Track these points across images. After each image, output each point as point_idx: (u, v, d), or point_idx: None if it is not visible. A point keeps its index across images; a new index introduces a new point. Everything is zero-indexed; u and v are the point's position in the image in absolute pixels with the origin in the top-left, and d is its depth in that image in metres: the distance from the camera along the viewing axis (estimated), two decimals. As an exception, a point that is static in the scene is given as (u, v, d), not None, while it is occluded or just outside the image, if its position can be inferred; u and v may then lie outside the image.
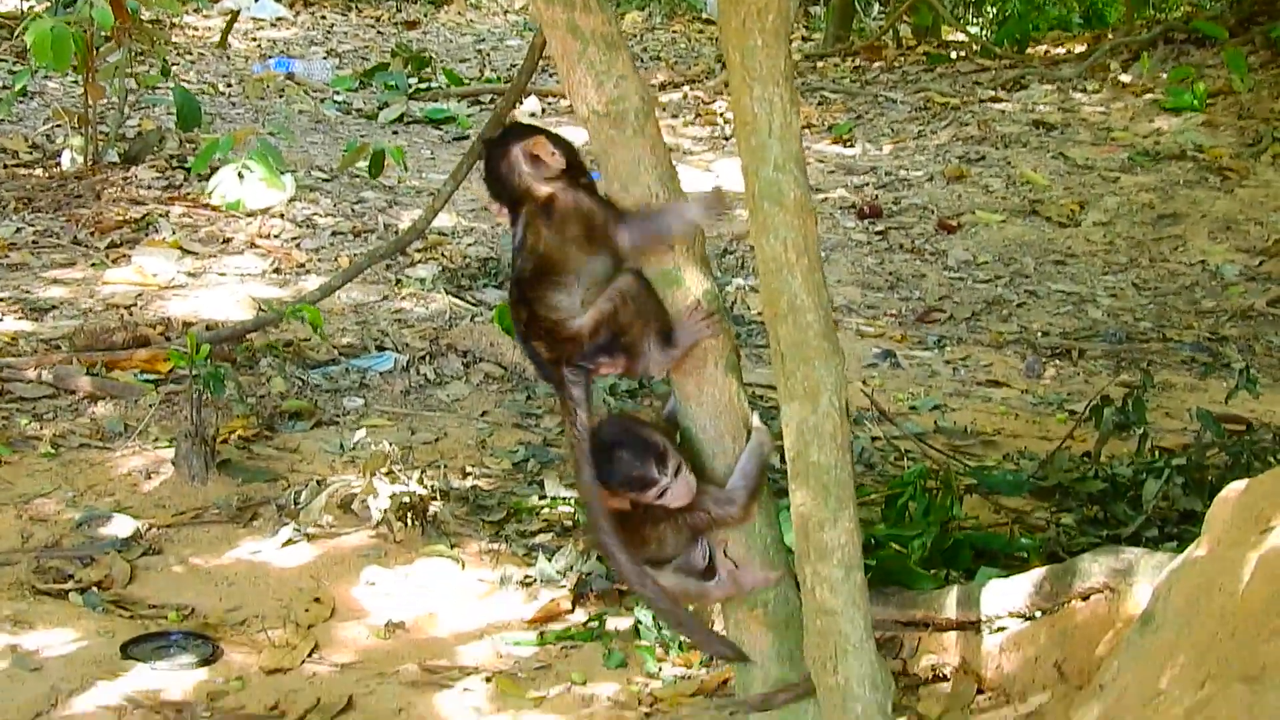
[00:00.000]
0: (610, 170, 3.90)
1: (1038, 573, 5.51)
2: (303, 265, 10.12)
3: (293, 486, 7.07)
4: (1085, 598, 5.26)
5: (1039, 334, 9.63)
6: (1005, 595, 5.51)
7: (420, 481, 6.88)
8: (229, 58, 16.85)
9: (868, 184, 12.55)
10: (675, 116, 14.80)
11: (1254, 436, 7.38)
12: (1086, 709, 4.75)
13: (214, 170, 10.93)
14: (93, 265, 9.80)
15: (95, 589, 6.33)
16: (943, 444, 7.83)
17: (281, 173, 10.97)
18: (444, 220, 10.93)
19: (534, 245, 3.95)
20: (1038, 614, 5.43)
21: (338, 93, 15.23)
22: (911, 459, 7.51)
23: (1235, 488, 4.63)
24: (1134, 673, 4.57)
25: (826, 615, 3.19)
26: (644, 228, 3.85)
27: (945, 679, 5.57)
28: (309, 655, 5.99)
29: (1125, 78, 15.03)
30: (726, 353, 4.06)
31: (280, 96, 14.20)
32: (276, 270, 10.00)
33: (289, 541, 6.71)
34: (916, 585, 5.88)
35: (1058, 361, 9.22)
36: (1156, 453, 7.28)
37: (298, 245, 10.48)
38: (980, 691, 5.45)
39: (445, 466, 7.37)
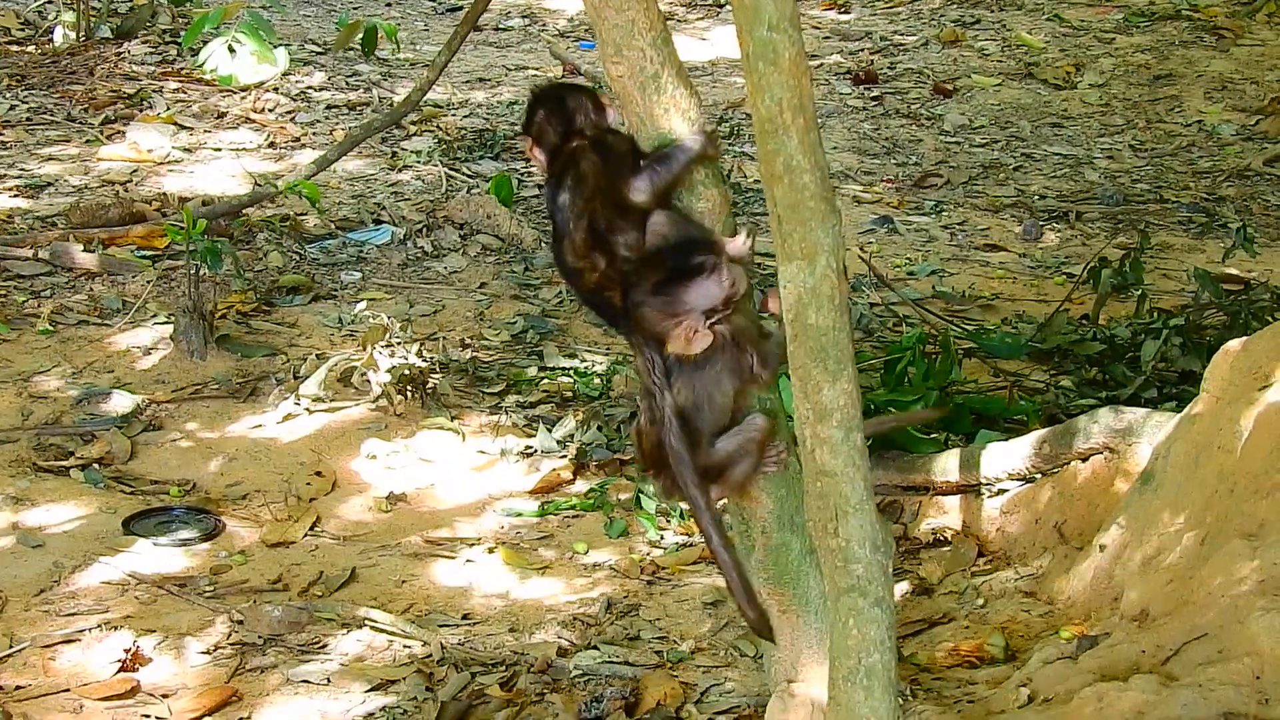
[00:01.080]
0: (604, 35, 3.86)
1: (1037, 434, 5.52)
2: (298, 139, 10.06)
3: (292, 361, 7.08)
4: (1085, 459, 5.28)
5: (1036, 197, 9.58)
6: (1005, 458, 5.52)
7: (419, 354, 6.89)
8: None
9: (863, 49, 12.44)
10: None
11: (1252, 295, 7.38)
12: (1086, 568, 4.79)
13: (205, 44, 10.84)
14: (87, 142, 9.75)
15: (96, 465, 6.35)
16: (941, 309, 7.82)
17: (274, 46, 10.86)
18: (439, 93, 10.86)
19: (594, 188, 3.88)
20: (1038, 476, 5.45)
21: (331, -35, 15.11)
22: (910, 324, 7.50)
23: (1233, 345, 4.63)
24: (1133, 532, 4.60)
25: (826, 477, 3.19)
26: (656, 174, 3.83)
27: (946, 543, 5.60)
28: (311, 529, 6.04)
29: (1121, -62, 14.90)
30: (724, 216, 4.04)
31: (272, -32, 14.07)
32: (272, 144, 9.95)
33: (289, 416, 6.72)
34: (916, 449, 5.90)
35: (1055, 224, 9.17)
36: (1155, 313, 7.29)
37: (292, 119, 10.41)
38: (981, 554, 5.48)
39: (444, 339, 7.36)
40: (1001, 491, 5.51)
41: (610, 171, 3.86)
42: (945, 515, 5.60)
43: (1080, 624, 4.57)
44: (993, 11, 13.07)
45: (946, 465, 5.61)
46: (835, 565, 3.23)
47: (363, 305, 7.58)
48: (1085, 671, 3.89)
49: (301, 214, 8.63)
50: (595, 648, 5.21)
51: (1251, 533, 3.89)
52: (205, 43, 10.65)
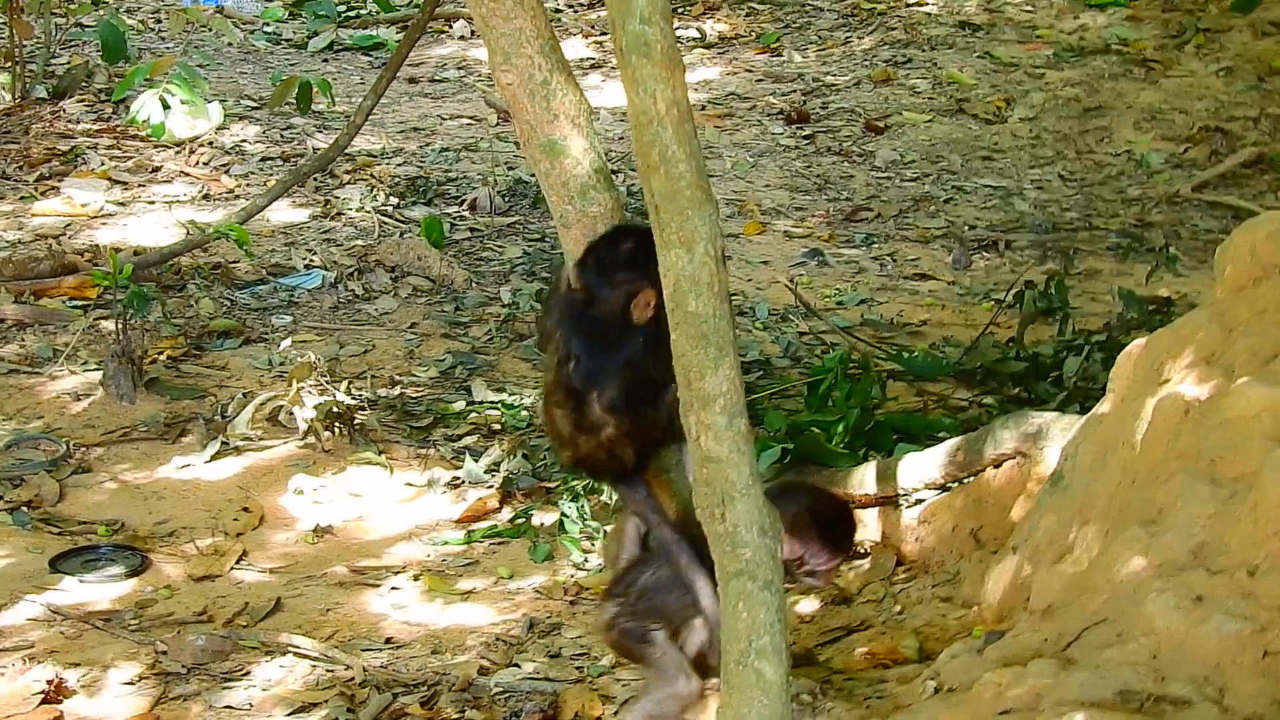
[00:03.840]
0: (493, 44, 3.92)
1: (951, 443, 5.56)
2: (232, 191, 10.09)
3: (220, 402, 7.09)
4: (998, 464, 5.32)
5: (966, 228, 9.65)
6: (921, 468, 5.56)
7: (348, 391, 6.90)
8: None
9: (795, 90, 12.52)
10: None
11: (1174, 312, 7.44)
12: (1000, 571, 4.82)
13: (137, 97, 10.87)
14: (21, 198, 9.75)
15: (24, 508, 6.35)
16: (869, 335, 7.87)
17: (208, 101, 10.90)
18: (373, 142, 10.93)
19: (631, 356, 3.93)
20: (953, 485, 5.49)
21: (267, 24, 15.13)
22: (838, 351, 7.53)
23: (1136, 345, 4.69)
24: (1045, 531, 4.63)
25: (712, 463, 3.22)
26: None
27: (865, 554, 5.63)
28: (237, 562, 6.04)
29: (1050, -24, 15.03)
30: (617, 221, 4.10)
31: (209, 30, 14.09)
32: (206, 197, 9.97)
33: (217, 455, 6.73)
34: (835, 464, 5.93)
35: (985, 253, 9.25)
36: (1079, 334, 7.34)
37: (227, 172, 10.44)
38: (900, 563, 5.51)
39: (373, 377, 7.39)
40: (919, 502, 5.55)
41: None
42: (864, 527, 5.62)
43: (994, 624, 4.59)
44: (924, 50, 13.16)
45: (864, 478, 5.64)
46: (724, 550, 3.26)
47: (288, 343, 7.60)
48: (989, 662, 3.92)
49: (233, 261, 8.65)
50: (516, 665, 5.23)
51: (1151, 519, 3.93)
52: (137, 95, 10.70)
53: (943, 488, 5.52)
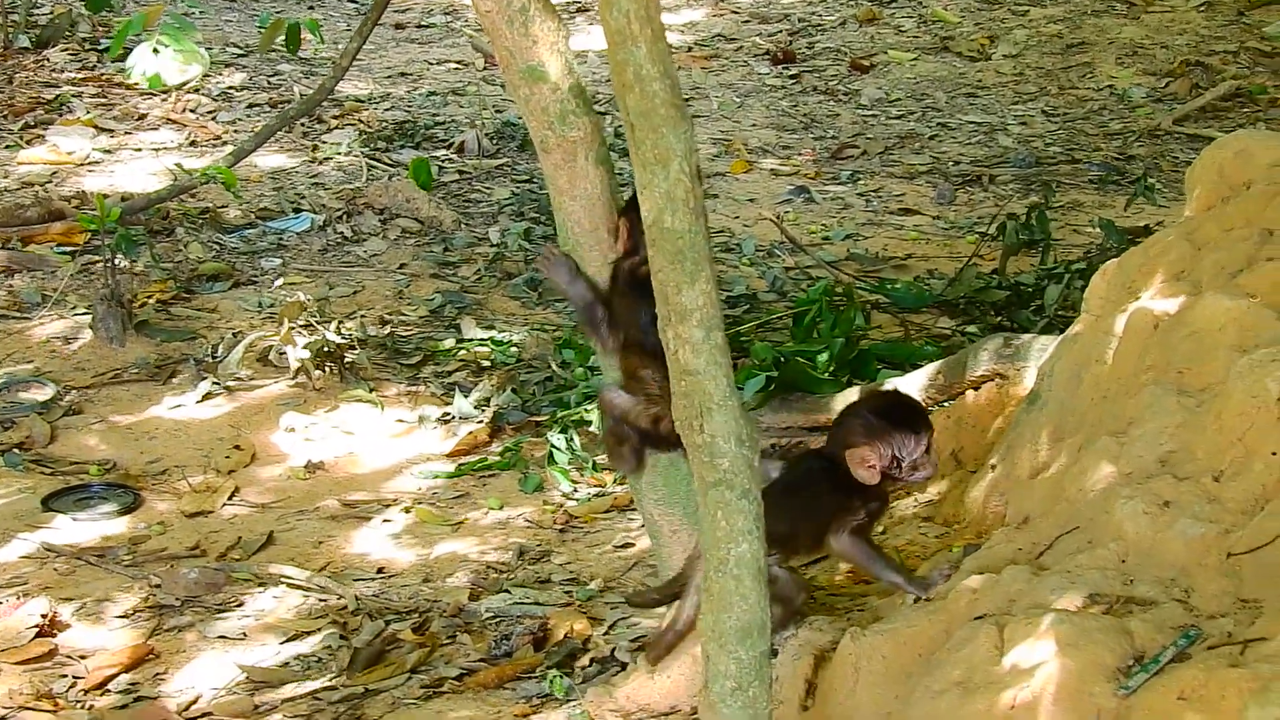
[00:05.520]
0: None
1: (932, 367, 5.63)
2: (219, 137, 10.12)
3: (210, 343, 7.14)
4: (977, 386, 5.39)
5: (950, 164, 9.71)
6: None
7: (338, 330, 6.96)
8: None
9: (781, 31, 12.56)
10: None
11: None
12: (979, 489, 4.90)
13: (129, 51, 10.90)
14: (6, 147, 9.78)
15: (16, 450, 6.41)
16: (854, 269, 7.93)
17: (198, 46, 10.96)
18: (360, 88, 10.97)
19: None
20: (934, 407, 5.55)
21: (252, -29, 15.17)
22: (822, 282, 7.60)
23: (1110, 264, 4.76)
24: (1022, 449, 4.70)
25: (690, 376, 3.28)
26: None
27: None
28: (229, 499, 6.12)
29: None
30: (596, 146, 4.15)
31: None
32: (193, 143, 10.01)
33: (208, 395, 6.79)
34: (819, 390, 6.00)
35: (969, 188, 9.31)
36: (1060, 263, 7.40)
37: (214, 118, 10.47)
38: (882, 486, 5.57)
39: (363, 316, 7.44)
40: (901, 425, 5.61)
41: None
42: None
43: (973, 539, 4.67)
44: (909, -11, 13.23)
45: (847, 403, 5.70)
46: (702, 461, 3.32)
47: (280, 283, 7.66)
48: (966, 572, 4.00)
49: (222, 206, 8.71)
50: (507, 591, 5.31)
51: (1121, 430, 4.00)
52: (129, 50, 10.74)
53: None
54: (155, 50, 10.63)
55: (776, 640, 4.05)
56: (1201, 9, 12.26)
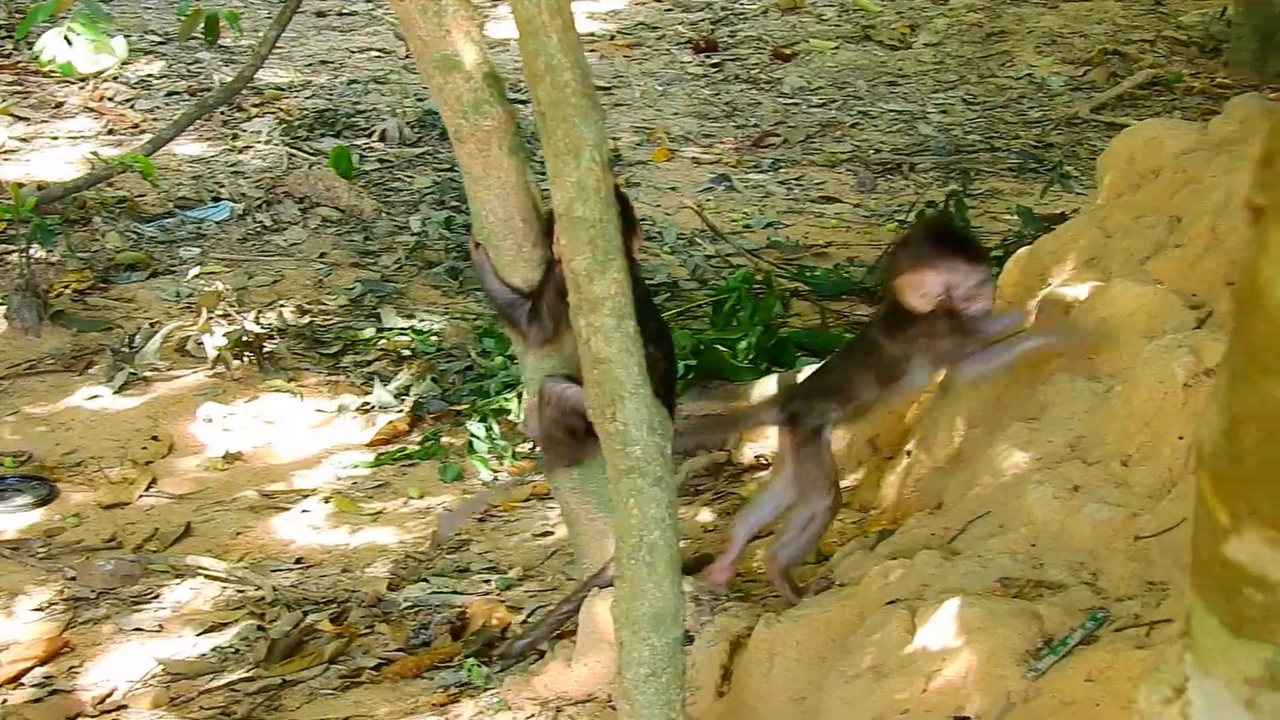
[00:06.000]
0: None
1: (848, 354, 5.65)
2: (137, 126, 10.05)
3: (128, 333, 7.10)
4: (894, 373, 5.41)
5: (871, 152, 9.75)
6: (820, 379, 5.64)
7: (256, 320, 6.94)
8: (60, -67, 16.59)
9: (703, 19, 12.58)
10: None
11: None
12: (895, 476, 4.93)
13: (41, 36, 10.79)
14: (-81, 138, 9.71)
15: (-73, 444, 6.37)
16: (775, 257, 7.95)
17: (112, 35, 10.85)
18: (281, 75, 10.91)
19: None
20: (851, 395, 5.57)
21: (172, -41, 15.08)
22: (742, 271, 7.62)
23: (1023, 252, 4.80)
24: (936, 435, 4.74)
25: (602, 364, 3.29)
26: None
27: (767, 465, 5.71)
28: (146, 490, 6.08)
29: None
30: (510, 135, 4.16)
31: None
32: (111, 132, 9.93)
33: (125, 385, 6.74)
34: (738, 378, 6.02)
35: (889, 176, 9.34)
36: (979, 250, 7.44)
37: (132, 106, 10.40)
38: (799, 473, 5.59)
39: (282, 306, 7.41)
40: (819, 413, 5.63)
41: None
42: (765, 439, 5.72)
43: (888, 526, 4.70)
44: (830, -22, 13.26)
45: (765, 391, 5.72)
46: (615, 449, 3.34)
47: (199, 274, 7.62)
48: (880, 557, 4.03)
49: (140, 195, 8.64)
50: (425, 581, 5.31)
51: (1033, 416, 4.05)
52: (40, 35, 10.64)
53: (841, 398, 5.61)
54: (66, 39, 10.54)
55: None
56: (1119, -2, 12.38)
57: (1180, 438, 3.60)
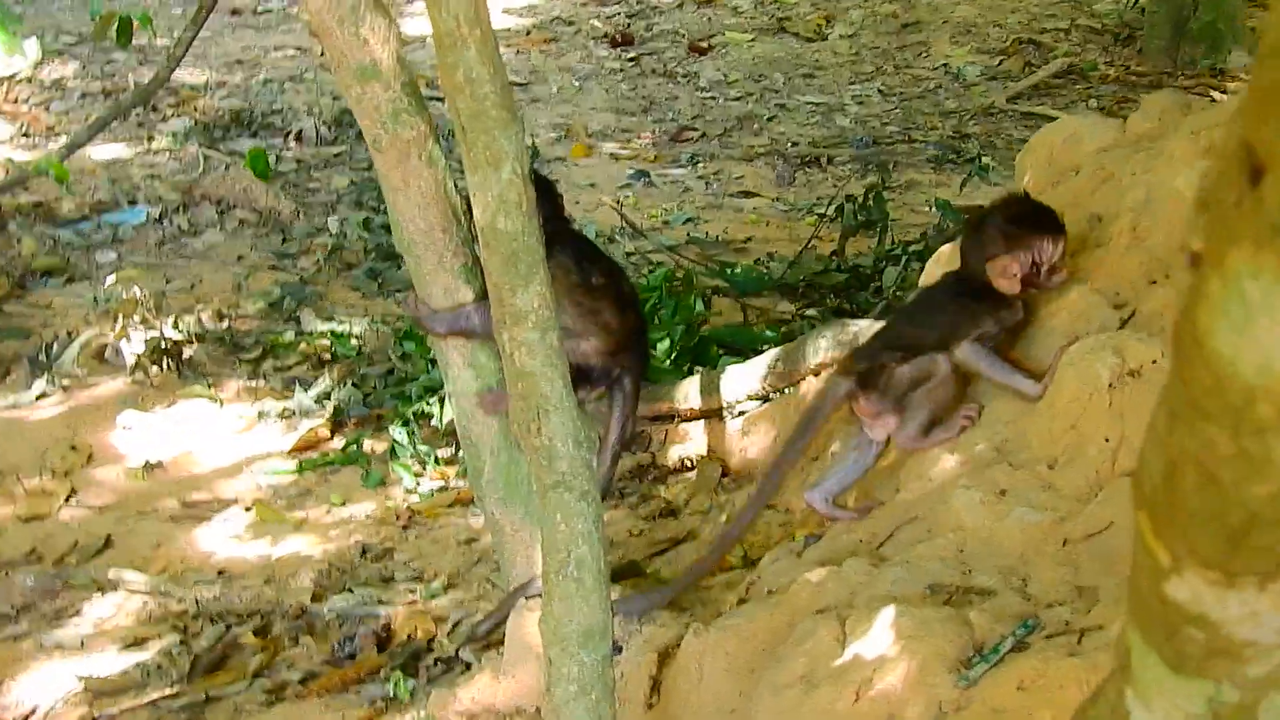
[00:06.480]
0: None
1: (771, 354, 5.65)
2: (52, 128, 9.96)
3: (45, 340, 7.02)
4: (816, 373, 5.41)
5: (789, 145, 9.76)
6: (743, 379, 5.64)
7: (175, 325, 6.88)
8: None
9: (619, 13, 12.57)
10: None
11: (988, 220, 7.56)
12: (819, 477, 4.91)
13: (-52, 40, 10.69)
14: None
15: None
16: (695, 254, 7.94)
17: (25, 38, 10.75)
18: (196, 75, 10.83)
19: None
20: (775, 395, 5.58)
21: (83, -42, 14.96)
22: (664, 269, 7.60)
23: (944, 249, 4.82)
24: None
25: (526, 378, 3.27)
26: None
27: (693, 467, 5.71)
28: (66, 501, 6.00)
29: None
30: (429, 145, 4.12)
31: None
32: (25, 134, 9.84)
33: (43, 394, 6.66)
34: (662, 380, 6.00)
35: (808, 169, 9.35)
36: (898, 244, 7.46)
37: (46, 108, 10.31)
38: (725, 474, 5.60)
39: (201, 311, 7.34)
40: (743, 413, 5.64)
41: None
42: (690, 441, 5.72)
43: (814, 529, 4.69)
44: (744, -30, 13.27)
45: (689, 391, 5.72)
46: (540, 463, 3.32)
47: (116, 281, 7.54)
48: (808, 563, 4.02)
49: (55, 199, 8.56)
50: (350, 591, 5.27)
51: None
52: (-53, 37, 10.52)
53: (765, 399, 5.61)
54: (-26, 41, 10.43)
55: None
56: (1033, -13, 12.44)
57: (1106, 440, 3.61)
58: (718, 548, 4.49)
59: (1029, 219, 4.19)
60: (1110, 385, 3.64)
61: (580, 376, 4.23)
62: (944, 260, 4.74)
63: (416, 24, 11.35)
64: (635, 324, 4.65)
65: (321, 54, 11.29)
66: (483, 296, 4.09)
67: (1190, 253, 1.18)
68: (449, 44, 3.16)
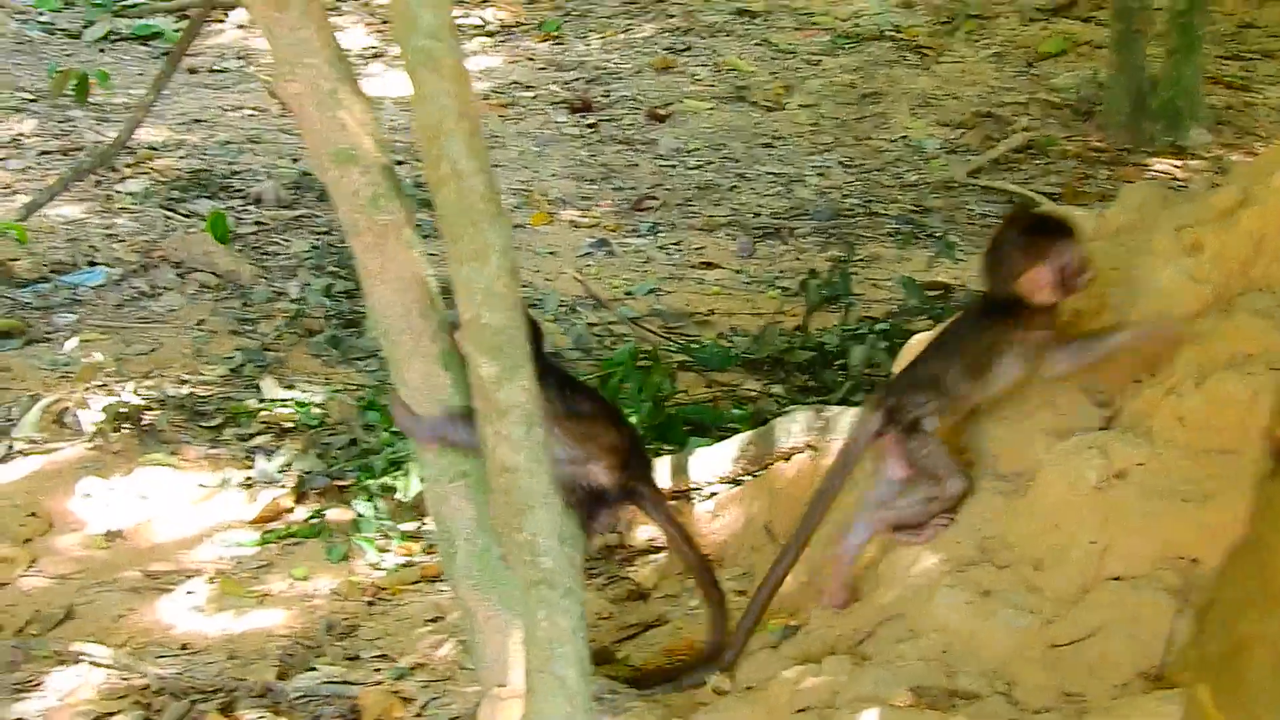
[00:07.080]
0: (278, 54, 3.90)
1: (743, 437, 5.64)
2: (9, 186, 9.89)
3: (4, 405, 6.96)
4: (788, 458, 5.40)
5: (750, 215, 9.77)
6: (713, 462, 5.63)
7: (135, 391, 6.83)
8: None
9: (578, 79, 12.57)
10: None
11: (953, 298, 7.60)
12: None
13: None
14: None
15: None
16: (658, 326, 7.94)
17: (-20, 93, 10.73)
18: (154, 135, 10.78)
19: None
20: (745, 478, 5.57)
21: (41, 13, 14.85)
22: (627, 342, 7.60)
23: (918, 338, 4.80)
24: (836, 525, 4.71)
25: (509, 473, 3.25)
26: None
27: (661, 549, 5.68)
28: (26, 569, 5.94)
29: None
30: (408, 228, 4.10)
31: (-23, 21, 13.81)
32: (-18, 192, 9.79)
33: (2, 460, 6.60)
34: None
35: (769, 240, 9.37)
36: (863, 321, 7.48)
37: (3, 166, 10.25)
38: (694, 557, 5.56)
39: (161, 376, 7.30)
40: (713, 495, 5.62)
41: None
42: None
43: (788, 617, 4.67)
44: (703, 38, 13.28)
45: (659, 472, 5.69)
46: (524, 560, 3.29)
47: (76, 344, 7.49)
48: (786, 658, 4.01)
49: (13, 259, 8.50)
50: (314, 669, 5.22)
51: (939, 513, 4.04)
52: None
53: (735, 481, 5.60)
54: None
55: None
56: (991, 60, 12.48)
57: (1092, 542, 3.60)
58: (758, 599, 4.48)
59: (1044, 227, 4.22)
60: (1096, 487, 3.64)
61: (596, 502, 4.24)
62: (912, 352, 4.73)
63: (372, 85, 11.33)
64: (631, 434, 4.62)
65: (279, 114, 11.31)
66: (462, 384, 4.07)
67: (1272, 440, 1.17)
68: (434, 136, 3.16)
